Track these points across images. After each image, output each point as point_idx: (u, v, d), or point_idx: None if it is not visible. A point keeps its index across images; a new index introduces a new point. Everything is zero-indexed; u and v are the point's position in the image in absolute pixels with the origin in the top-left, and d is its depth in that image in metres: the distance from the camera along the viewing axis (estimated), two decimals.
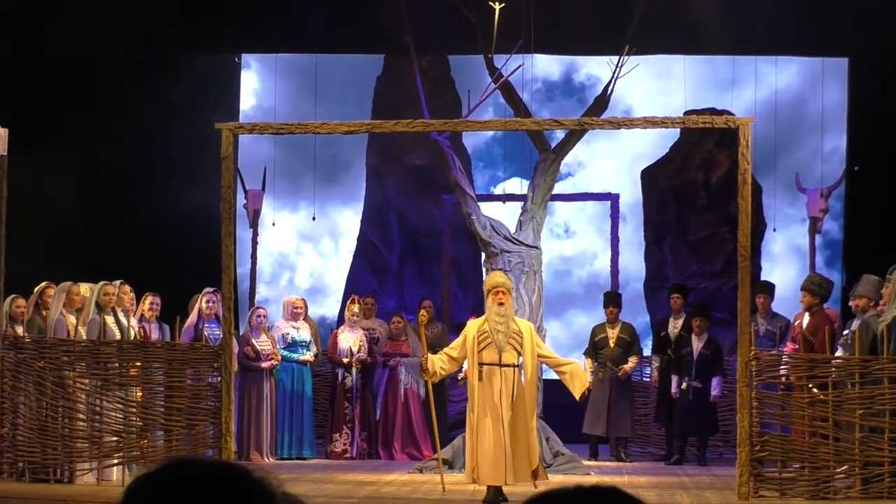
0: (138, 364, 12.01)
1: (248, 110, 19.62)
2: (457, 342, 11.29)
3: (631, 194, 19.39)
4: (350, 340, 15.57)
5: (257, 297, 18.26)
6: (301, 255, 19.99)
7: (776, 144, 18.12)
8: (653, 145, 19.57)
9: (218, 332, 13.87)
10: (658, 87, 19.04)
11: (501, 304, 10.96)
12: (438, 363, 11.08)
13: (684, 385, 15.04)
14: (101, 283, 12.79)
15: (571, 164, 19.27)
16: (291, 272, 19.99)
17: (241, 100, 19.66)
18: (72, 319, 12.37)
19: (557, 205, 19.00)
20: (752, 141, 11.14)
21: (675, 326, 15.49)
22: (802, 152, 18.81)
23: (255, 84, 19.87)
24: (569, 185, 19.24)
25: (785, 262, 19.18)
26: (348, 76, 19.56)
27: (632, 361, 15.52)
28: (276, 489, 2.19)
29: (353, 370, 15.51)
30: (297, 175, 19.27)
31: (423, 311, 13.09)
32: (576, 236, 19.81)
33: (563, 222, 19.82)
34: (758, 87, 18.61)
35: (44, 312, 12.49)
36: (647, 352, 16.65)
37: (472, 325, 11.16)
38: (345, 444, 15.38)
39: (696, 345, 15.08)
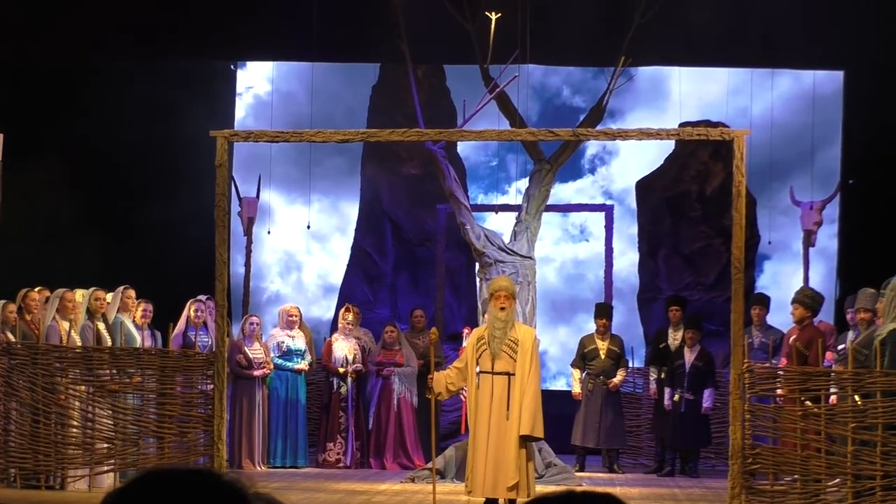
0: (137, 377, 11.99)
1: (244, 117, 19.54)
2: (464, 352, 11.12)
3: None
4: (345, 349, 15.53)
5: (268, 293, 18.10)
6: (310, 254, 19.59)
7: (772, 156, 18.08)
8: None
9: (206, 340, 13.86)
10: (697, 88, 18.84)
11: (503, 308, 10.54)
12: (445, 381, 10.69)
13: (676, 397, 15.04)
14: (92, 288, 12.79)
15: (598, 155, 19.17)
16: (298, 271, 19.67)
17: (237, 105, 19.58)
18: (65, 326, 12.37)
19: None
20: (746, 153, 11.14)
21: (674, 338, 15.49)
22: (797, 165, 18.76)
23: (251, 90, 19.79)
24: (587, 183, 19.16)
25: (786, 273, 18.97)
26: (343, 84, 19.47)
27: (621, 374, 15.53)
28: (248, 490, 2.22)
29: (349, 379, 15.46)
30: (307, 165, 18.88)
31: (433, 330, 11.80)
32: (592, 237, 19.39)
33: (580, 224, 19.51)
34: (754, 99, 18.58)
35: (27, 316, 12.48)
36: (639, 363, 16.64)
37: (475, 332, 11.02)
38: (339, 454, 15.35)
39: (689, 356, 15.08)
